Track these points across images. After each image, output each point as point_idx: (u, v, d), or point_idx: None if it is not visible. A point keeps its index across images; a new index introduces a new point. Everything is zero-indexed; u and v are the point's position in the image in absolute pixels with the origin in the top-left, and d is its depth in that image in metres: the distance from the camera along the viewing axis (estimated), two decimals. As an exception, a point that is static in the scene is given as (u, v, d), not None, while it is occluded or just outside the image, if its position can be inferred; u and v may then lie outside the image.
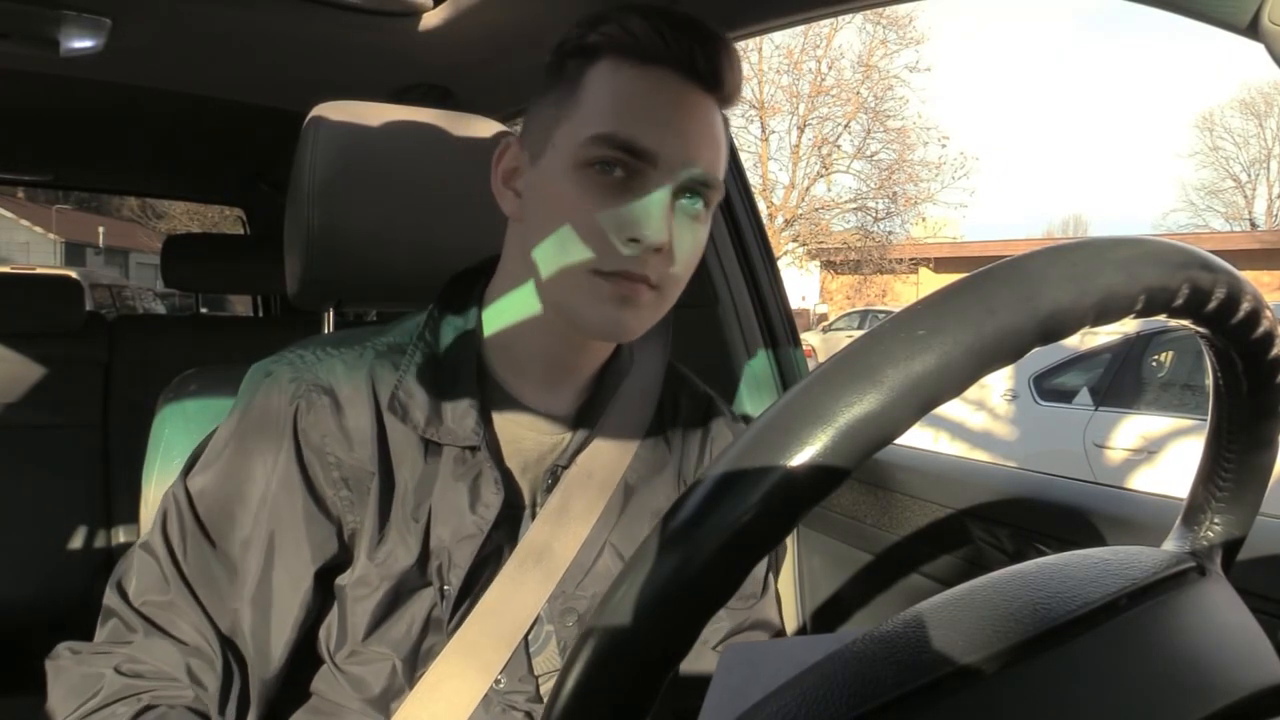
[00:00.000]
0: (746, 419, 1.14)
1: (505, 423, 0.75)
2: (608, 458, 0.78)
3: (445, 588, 0.71)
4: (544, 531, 0.74)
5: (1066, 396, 4.66)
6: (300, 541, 0.70)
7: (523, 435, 0.75)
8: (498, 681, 0.73)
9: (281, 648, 0.70)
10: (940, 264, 20.13)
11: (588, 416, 0.77)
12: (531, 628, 0.74)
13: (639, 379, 0.82)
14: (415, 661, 0.72)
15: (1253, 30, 0.52)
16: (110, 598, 0.71)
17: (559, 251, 0.67)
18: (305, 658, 0.74)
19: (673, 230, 0.67)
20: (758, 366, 1.43)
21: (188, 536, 0.70)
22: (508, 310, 0.74)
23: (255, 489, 0.70)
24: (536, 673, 0.75)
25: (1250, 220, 27.47)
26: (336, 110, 0.87)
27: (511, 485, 0.74)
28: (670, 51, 0.66)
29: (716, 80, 0.68)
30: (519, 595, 0.73)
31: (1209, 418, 0.47)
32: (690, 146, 0.66)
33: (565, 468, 0.76)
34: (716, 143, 0.69)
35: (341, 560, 0.72)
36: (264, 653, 0.70)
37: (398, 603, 0.71)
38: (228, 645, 0.69)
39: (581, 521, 0.76)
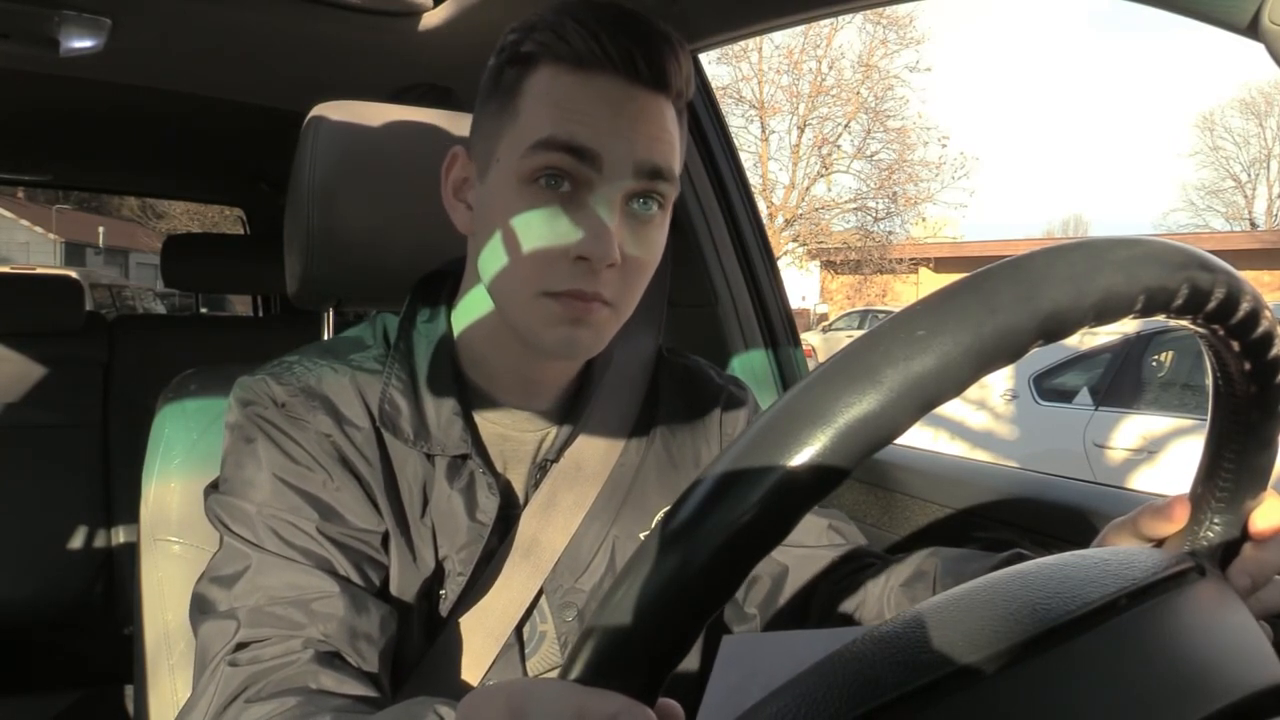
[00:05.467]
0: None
1: (490, 424, 0.74)
2: (596, 450, 0.77)
3: (442, 592, 0.71)
4: (531, 525, 0.74)
5: (1066, 396, 4.66)
6: (362, 501, 0.68)
7: (509, 435, 0.75)
8: (487, 680, 0.72)
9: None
10: (940, 264, 20.11)
11: (572, 410, 0.77)
12: (525, 623, 0.74)
13: (623, 369, 0.81)
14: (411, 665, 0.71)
15: (1253, 30, 0.52)
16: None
17: (508, 273, 0.66)
18: None
19: (624, 240, 0.64)
20: (758, 366, 1.43)
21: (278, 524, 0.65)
22: (474, 326, 0.73)
23: (303, 459, 0.67)
24: (531, 672, 0.75)
25: (1250, 220, 27.43)
26: (336, 110, 0.87)
27: (506, 486, 0.74)
28: (609, 56, 0.63)
29: (662, 81, 0.65)
30: (507, 590, 0.73)
31: (1209, 418, 0.47)
32: (637, 145, 0.63)
33: (554, 461, 0.76)
34: (667, 139, 0.66)
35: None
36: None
37: (401, 609, 0.70)
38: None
39: (570, 514, 0.75)
